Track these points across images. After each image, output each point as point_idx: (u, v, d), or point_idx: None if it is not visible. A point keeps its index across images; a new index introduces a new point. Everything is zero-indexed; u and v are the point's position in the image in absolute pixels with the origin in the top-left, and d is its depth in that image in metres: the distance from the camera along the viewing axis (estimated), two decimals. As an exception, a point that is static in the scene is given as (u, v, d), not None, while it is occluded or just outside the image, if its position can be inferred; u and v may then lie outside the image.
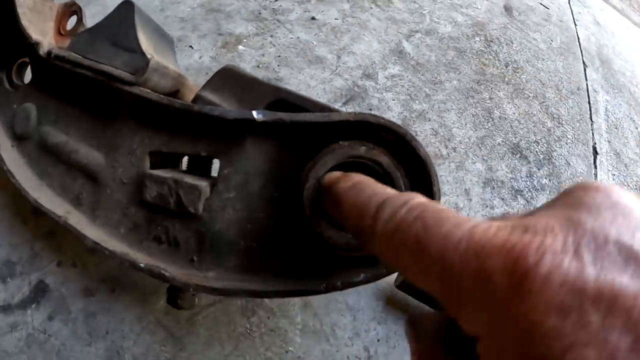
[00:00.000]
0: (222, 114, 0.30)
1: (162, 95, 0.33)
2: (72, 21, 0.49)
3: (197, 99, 0.33)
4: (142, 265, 0.33)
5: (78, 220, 0.38)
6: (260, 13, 0.57)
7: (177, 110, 0.32)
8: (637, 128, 0.76)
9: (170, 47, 0.41)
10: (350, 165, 0.30)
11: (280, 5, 0.58)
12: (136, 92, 0.34)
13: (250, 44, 0.54)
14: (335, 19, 0.57)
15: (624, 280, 0.13)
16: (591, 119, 0.70)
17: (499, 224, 0.16)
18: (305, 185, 0.28)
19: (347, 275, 0.30)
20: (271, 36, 0.55)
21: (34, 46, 0.42)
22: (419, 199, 0.19)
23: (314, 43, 0.54)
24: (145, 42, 0.36)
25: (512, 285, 0.14)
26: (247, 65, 0.52)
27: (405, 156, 0.29)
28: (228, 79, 0.33)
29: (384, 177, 0.29)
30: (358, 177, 0.24)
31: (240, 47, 0.53)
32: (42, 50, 0.41)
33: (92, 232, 0.37)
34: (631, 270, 0.13)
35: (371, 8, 0.60)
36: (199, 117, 0.31)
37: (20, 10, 0.43)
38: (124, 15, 0.36)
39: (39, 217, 0.47)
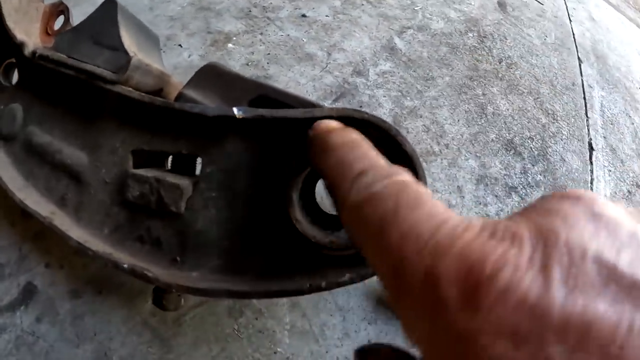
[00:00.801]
0: (203, 111, 0.29)
1: (143, 94, 0.32)
2: (59, 21, 0.48)
3: (180, 97, 0.32)
4: (125, 265, 0.32)
5: (63, 221, 0.37)
6: (250, 11, 0.56)
7: (158, 108, 0.31)
8: (633, 123, 0.75)
9: (155, 46, 0.40)
10: None
11: (271, 3, 0.57)
12: (118, 90, 0.33)
13: (240, 42, 0.53)
14: (326, 15, 0.57)
15: (600, 306, 0.10)
16: (586, 114, 0.69)
17: (469, 223, 0.14)
18: (288, 184, 0.28)
19: (332, 275, 0.29)
20: (261, 34, 0.54)
21: (19, 47, 0.41)
22: (404, 176, 0.17)
23: (304, 40, 0.54)
24: (128, 40, 0.35)
25: (461, 296, 0.12)
26: (237, 63, 0.51)
27: (391, 152, 0.28)
28: (210, 76, 0.33)
29: None
30: (355, 135, 0.22)
31: (230, 45, 0.53)
32: (27, 50, 0.40)
33: (77, 232, 0.36)
34: (611, 295, 0.11)
35: (363, 5, 0.60)
36: (180, 114, 0.30)
37: (5, 12, 0.43)
38: (107, 14, 0.35)
39: (27, 219, 0.47)
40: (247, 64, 0.51)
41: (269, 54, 0.52)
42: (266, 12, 0.56)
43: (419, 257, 0.13)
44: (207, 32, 0.54)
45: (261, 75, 0.50)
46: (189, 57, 0.53)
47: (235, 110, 0.28)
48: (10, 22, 0.43)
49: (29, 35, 0.45)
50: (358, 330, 0.40)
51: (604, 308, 0.10)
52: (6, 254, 0.47)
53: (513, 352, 0.11)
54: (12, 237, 0.47)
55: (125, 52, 0.34)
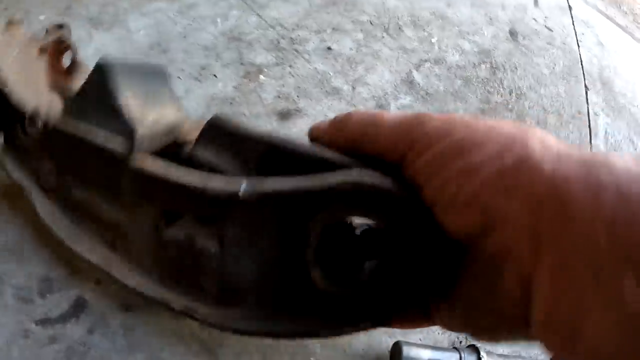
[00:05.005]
0: (205, 189, 0.31)
1: (158, 166, 0.33)
2: (67, 55, 0.49)
3: (192, 157, 0.34)
4: (176, 308, 0.36)
5: (117, 268, 0.40)
6: (279, 42, 0.63)
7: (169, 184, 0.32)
8: (636, 149, 0.82)
9: (162, 85, 0.40)
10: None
11: (298, 35, 0.64)
12: (131, 166, 0.34)
13: (271, 74, 0.59)
14: (350, 49, 0.63)
15: None
16: (590, 142, 0.76)
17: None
18: (305, 246, 0.30)
19: (352, 324, 0.30)
20: (290, 66, 0.60)
21: (31, 120, 0.41)
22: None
23: (331, 74, 0.60)
24: (131, 102, 0.36)
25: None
26: (269, 96, 0.57)
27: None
28: (218, 131, 0.33)
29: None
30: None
31: (262, 77, 0.59)
32: (39, 123, 0.41)
33: (130, 278, 0.39)
34: None
35: (383, 37, 0.66)
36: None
37: (10, 85, 0.43)
38: (100, 81, 0.35)
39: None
40: (279, 97, 0.58)
41: (298, 87, 0.58)
42: (294, 43, 0.63)
43: None
44: (239, 63, 0.61)
45: (292, 109, 0.56)
46: (223, 88, 0.59)
47: (241, 188, 0.30)
48: (17, 89, 0.43)
49: (38, 92, 0.45)
50: (380, 342, 0.47)
51: None
52: (57, 269, 0.53)
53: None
54: (63, 253, 0.53)
55: (129, 123, 0.34)
